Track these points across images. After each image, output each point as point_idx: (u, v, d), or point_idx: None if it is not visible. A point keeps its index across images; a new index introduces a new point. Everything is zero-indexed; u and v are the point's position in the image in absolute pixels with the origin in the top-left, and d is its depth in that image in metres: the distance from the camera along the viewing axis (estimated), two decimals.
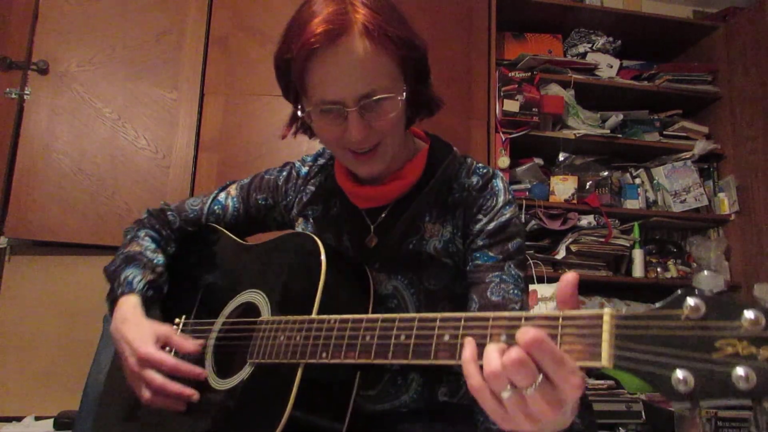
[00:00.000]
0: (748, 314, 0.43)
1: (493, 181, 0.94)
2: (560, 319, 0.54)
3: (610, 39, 2.73)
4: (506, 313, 0.59)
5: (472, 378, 0.55)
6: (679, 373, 0.45)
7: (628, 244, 2.51)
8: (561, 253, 2.40)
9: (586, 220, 2.46)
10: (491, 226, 0.91)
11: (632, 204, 2.62)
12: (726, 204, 2.65)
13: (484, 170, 0.96)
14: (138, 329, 0.90)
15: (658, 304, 0.50)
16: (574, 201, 2.49)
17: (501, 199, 0.92)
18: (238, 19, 2.35)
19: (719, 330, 0.45)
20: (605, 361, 0.50)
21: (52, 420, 1.88)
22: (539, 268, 2.31)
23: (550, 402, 0.51)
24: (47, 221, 2.10)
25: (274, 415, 0.74)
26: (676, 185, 2.66)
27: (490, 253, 0.90)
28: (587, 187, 2.60)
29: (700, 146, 2.65)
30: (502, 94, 2.45)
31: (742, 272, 2.56)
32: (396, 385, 0.92)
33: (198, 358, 0.91)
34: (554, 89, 2.55)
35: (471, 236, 0.92)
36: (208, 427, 0.84)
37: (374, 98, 0.82)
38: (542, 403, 0.51)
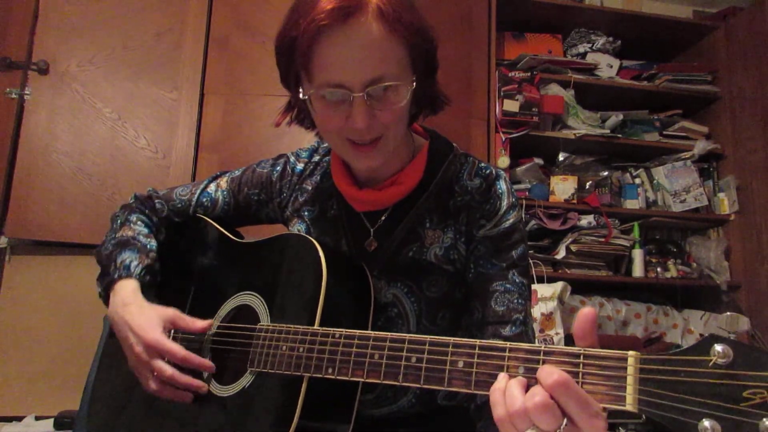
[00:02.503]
0: None
1: (497, 183, 0.92)
2: (581, 357, 0.53)
3: (610, 39, 2.73)
4: (524, 345, 0.58)
5: (498, 408, 0.55)
6: (707, 423, 0.45)
7: (628, 244, 2.51)
8: (561, 253, 2.40)
9: (586, 220, 2.46)
10: (495, 232, 0.89)
11: (632, 204, 2.62)
12: (726, 204, 2.65)
13: (487, 171, 0.93)
14: (142, 314, 0.87)
15: (684, 348, 0.49)
16: (574, 201, 2.49)
17: (504, 203, 0.90)
18: (238, 19, 2.35)
19: (748, 379, 0.45)
20: (630, 404, 0.49)
21: (52, 420, 1.88)
22: (539, 268, 2.30)
23: None
24: (47, 221, 2.10)
25: (281, 426, 0.73)
26: (676, 185, 2.66)
27: (494, 261, 0.89)
28: (587, 187, 2.61)
29: (700, 146, 2.65)
30: (502, 94, 2.46)
31: (742, 272, 2.56)
32: (394, 388, 0.91)
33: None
34: (554, 89, 2.55)
35: (474, 242, 0.90)
36: None
37: (382, 85, 0.77)
38: None
